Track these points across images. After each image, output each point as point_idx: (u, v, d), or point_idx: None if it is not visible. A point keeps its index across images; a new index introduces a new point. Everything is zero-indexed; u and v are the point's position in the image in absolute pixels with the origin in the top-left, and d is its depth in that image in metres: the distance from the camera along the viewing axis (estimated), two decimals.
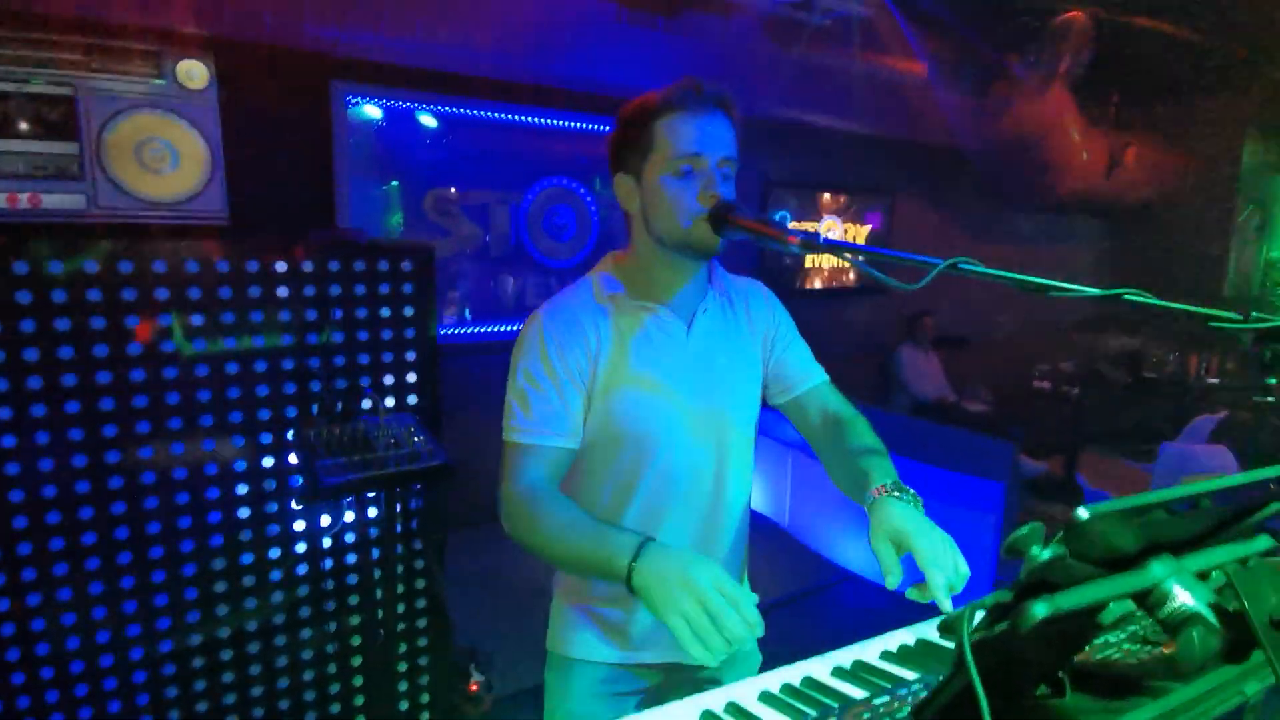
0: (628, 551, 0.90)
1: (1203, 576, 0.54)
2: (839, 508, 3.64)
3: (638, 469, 1.19)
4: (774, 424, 4.33)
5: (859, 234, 5.67)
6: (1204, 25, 4.41)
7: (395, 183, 3.44)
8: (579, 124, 3.87)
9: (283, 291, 1.93)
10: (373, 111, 3.23)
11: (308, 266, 1.96)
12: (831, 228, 5.47)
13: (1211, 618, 0.51)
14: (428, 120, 3.38)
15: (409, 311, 2.13)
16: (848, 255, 1.01)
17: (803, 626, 3.12)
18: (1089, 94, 5.31)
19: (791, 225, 4.78)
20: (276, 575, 2.03)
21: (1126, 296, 1.00)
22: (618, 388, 1.16)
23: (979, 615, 0.52)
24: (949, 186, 5.96)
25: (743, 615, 0.83)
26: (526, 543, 1.05)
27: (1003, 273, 0.99)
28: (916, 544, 0.95)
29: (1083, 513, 0.46)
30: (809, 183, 5.22)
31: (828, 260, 5.49)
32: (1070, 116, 5.41)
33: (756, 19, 3.49)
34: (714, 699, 0.85)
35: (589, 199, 4.10)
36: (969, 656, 0.48)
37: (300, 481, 1.95)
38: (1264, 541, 0.60)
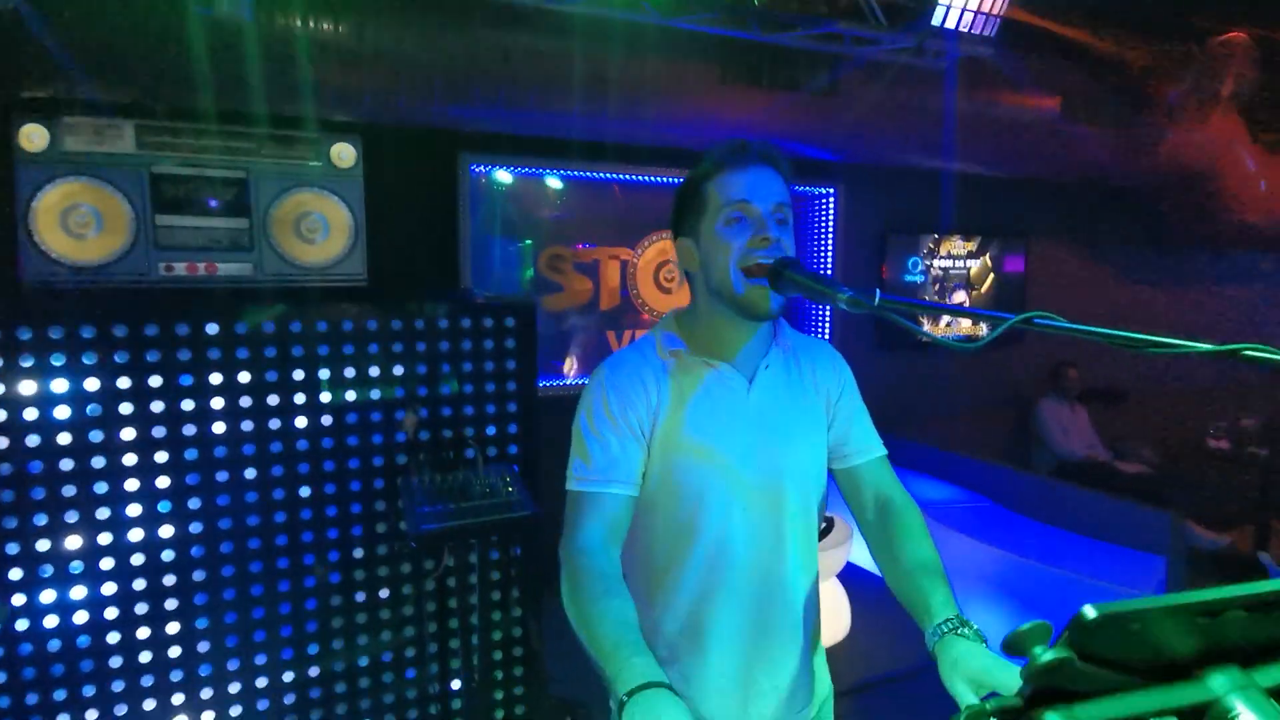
0: (626, 684, 0.90)
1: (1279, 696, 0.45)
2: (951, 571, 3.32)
3: (691, 532, 1.18)
4: None
5: (987, 279, 5.33)
6: None
7: (529, 241, 3.69)
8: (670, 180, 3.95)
9: (397, 347, 2.10)
10: (501, 177, 3.50)
11: (419, 325, 2.12)
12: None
13: None
14: (552, 183, 3.62)
15: (511, 365, 2.24)
16: (894, 315, 0.95)
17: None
18: (1262, 119, 4.76)
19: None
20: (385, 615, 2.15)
21: (1247, 353, 0.87)
22: (674, 449, 1.17)
23: None
24: (1095, 226, 5.49)
25: None
26: (566, 611, 1.06)
27: (1087, 328, 0.90)
28: (1000, 681, 0.89)
29: (1089, 611, 0.40)
30: (926, 228, 5.00)
31: None
32: (1242, 143, 4.87)
33: (862, 68, 3.45)
34: None
35: None
36: None
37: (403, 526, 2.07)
38: None
